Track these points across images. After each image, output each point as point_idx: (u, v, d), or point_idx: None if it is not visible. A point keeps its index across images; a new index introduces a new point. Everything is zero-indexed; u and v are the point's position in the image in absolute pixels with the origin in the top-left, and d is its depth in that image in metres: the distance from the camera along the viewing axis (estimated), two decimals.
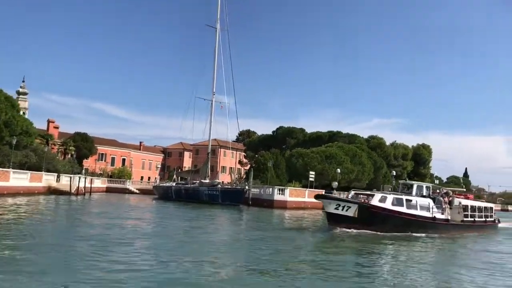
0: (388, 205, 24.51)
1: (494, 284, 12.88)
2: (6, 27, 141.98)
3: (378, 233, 23.91)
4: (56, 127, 79.09)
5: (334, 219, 24.51)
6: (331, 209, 24.35)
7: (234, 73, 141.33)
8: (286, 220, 33.87)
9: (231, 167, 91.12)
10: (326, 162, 61.57)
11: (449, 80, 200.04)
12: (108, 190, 66.84)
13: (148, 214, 31.86)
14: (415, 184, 28.99)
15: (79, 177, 52.20)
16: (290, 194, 50.82)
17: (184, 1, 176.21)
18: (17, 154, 45.97)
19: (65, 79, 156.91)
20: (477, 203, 33.62)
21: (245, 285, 10.56)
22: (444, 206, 27.89)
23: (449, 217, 27.94)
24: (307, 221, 33.22)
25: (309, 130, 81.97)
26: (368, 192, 27.91)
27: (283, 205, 48.56)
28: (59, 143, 70.17)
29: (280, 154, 66.49)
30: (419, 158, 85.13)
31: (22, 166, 46.79)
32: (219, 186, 51.02)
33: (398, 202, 25.07)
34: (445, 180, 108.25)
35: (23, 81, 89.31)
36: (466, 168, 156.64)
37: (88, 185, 54.29)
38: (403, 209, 24.95)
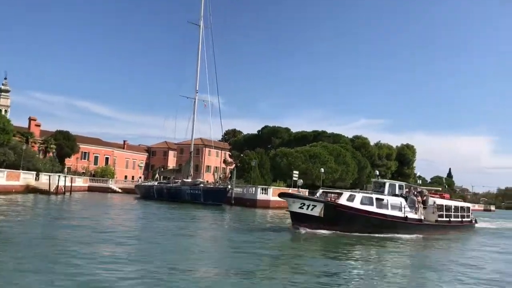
0: (356, 204, 23.43)
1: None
2: None
3: (346, 233, 22.89)
4: (38, 125, 77.72)
5: (298, 219, 23.22)
6: (296, 208, 23.03)
7: (222, 73, 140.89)
8: (264, 220, 32.93)
9: (216, 167, 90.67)
10: (310, 161, 61.50)
11: (434, 80, 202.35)
12: (90, 189, 65.82)
13: (124, 215, 30.55)
14: (387, 183, 27.72)
15: (59, 176, 51.18)
16: (273, 194, 50.53)
17: None
18: None
19: (50, 77, 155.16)
20: (452, 203, 32.57)
21: None
22: (417, 206, 26.88)
23: (422, 217, 27.02)
24: (287, 220, 32.80)
25: (297, 130, 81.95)
26: (337, 191, 26.73)
27: (266, 205, 48.28)
28: (39, 141, 68.92)
29: (265, 154, 66.28)
30: (403, 158, 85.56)
31: (0, 164, 45.80)
32: (201, 185, 50.56)
33: (368, 201, 24.03)
34: (429, 180, 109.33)
35: (5, 78, 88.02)
36: (450, 169, 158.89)
37: (68, 184, 53.32)
38: (372, 209, 23.88)
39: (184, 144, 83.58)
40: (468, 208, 35.67)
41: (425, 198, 28.82)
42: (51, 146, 67.55)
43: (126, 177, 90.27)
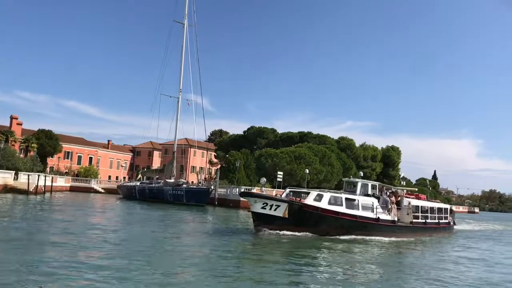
0: (324, 204, 21.98)
1: None
2: None
3: (313, 235, 21.57)
4: (20, 124, 76.09)
5: (261, 220, 21.65)
6: (258, 208, 21.44)
7: (210, 74, 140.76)
8: (240, 221, 31.47)
9: (201, 167, 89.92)
10: (295, 162, 61.31)
11: (420, 84, 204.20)
12: (73, 189, 64.71)
13: (98, 216, 29.21)
14: (359, 182, 26.34)
15: (39, 175, 50.04)
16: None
17: None
18: None
19: (36, 77, 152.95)
20: (429, 204, 31.10)
21: None
22: (390, 206, 25.56)
23: (396, 218, 25.67)
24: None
25: (284, 131, 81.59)
26: (305, 190, 25.19)
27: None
28: (20, 140, 67.48)
29: (251, 155, 65.93)
30: (388, 159, 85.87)
31: None
32: (184, 185, 49.98)
33: (336, 201, 22.62)
34: (414, 182, 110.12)
35: None
36: (435, 171, 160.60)
37: (49, 183, 52.23)
38: (341, 209, 22.48)
39: (169, 144, 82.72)
40: (446, 209, 34.18)
41: (399, 198, 27.64)
42: (32, 145, 66.17)
43: (110, 177, 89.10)
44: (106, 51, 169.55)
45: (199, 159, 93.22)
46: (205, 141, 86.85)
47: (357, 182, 26.38)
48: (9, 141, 61.14)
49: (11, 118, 74.73)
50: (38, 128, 74.12)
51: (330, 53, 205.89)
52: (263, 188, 24.12)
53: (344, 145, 76.57)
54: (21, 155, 63.72)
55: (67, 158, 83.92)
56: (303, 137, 75.46)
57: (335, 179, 65.07)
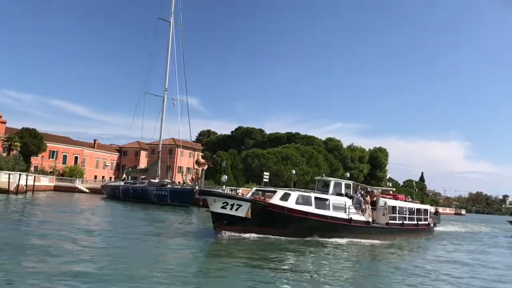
0: (291, 204, 20.52)
1: None
2: None
3: (279, 237, 20.13)
4: (3, 122, 75.01)
5: (221, 221, 19.96)
6: (217, 208, 19.66)
7: (198, 74, 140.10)
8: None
9: (188, 168, 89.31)
10: (282, 163, 61.09)
11: (408, 86, 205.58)
12: (57, 189, 63.72)
13: (77, 216, 28.07)
14: (332, 181, 25.10)
15: (20, 174, 49.12)
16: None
17: None
18: None
19: (23, 75, 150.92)
20: (407, 204, 29.82)
21: None
22: (364, 207, 24.27)
23: (370, 219, 24.46)
24: None
25: (271, 132, 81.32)
26: (272, 189, 23.50)
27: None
28: (3, 138, 66.31)
29: (238, 155, 65.57)
30: (376, 161, 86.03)
31: None
32: (169, 186, 49.45)
33: (304, 201, 21.17)
34: (401, 183, 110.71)
35: None
36: (422, 173, 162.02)
37: (31, 183, 51.30)
38: (310, 209, 21.05)
39: (155, 144, 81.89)
40: (426, 210, 32.77)
41: (375, 198, 26.50)
42: (15, 143, 64.96)
43: (96, 177, 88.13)
44: (93, 49, 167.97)
45: (186, 159, 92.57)
46: (193, 141, 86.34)
47: (330, 181, 25.22)
48: None
49: None
50: (20, 126, 73.11)
51: (322, 54, 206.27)
52: (225, 187, 23.10)
53: (332, 146, 76.52)
54: (4, 154, 62.66)
55: (52, 157, 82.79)
56: (290, 138, 75.30)
57: None
